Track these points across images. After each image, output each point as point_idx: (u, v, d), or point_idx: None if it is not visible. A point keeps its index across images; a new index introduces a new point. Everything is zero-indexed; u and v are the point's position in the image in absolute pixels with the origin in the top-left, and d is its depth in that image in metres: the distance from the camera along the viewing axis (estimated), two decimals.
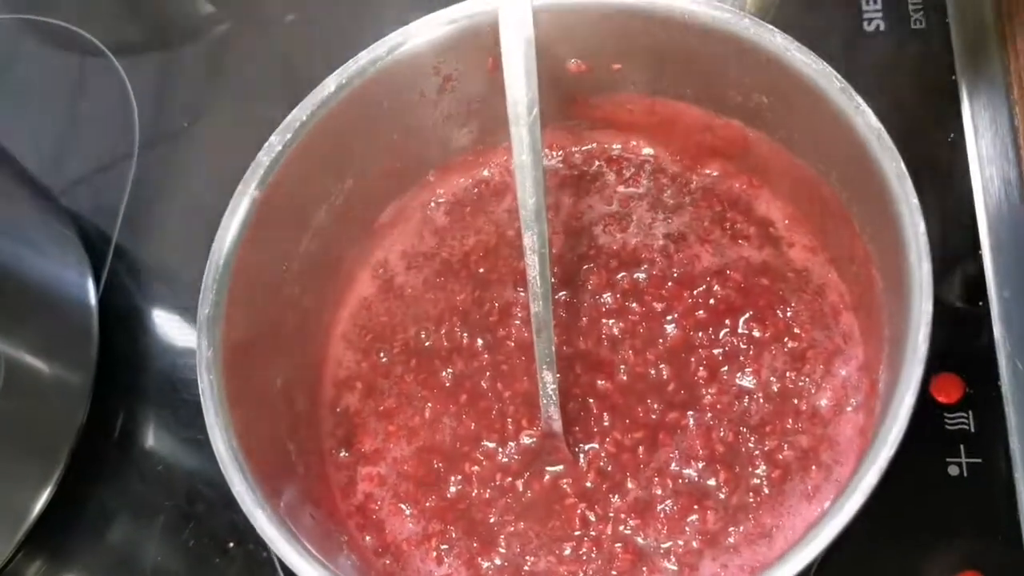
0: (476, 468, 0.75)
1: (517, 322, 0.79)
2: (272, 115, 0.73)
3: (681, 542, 0.70)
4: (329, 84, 0.73)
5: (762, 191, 0.80)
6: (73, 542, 0.87)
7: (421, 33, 0.74)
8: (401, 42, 0.74)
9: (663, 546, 0.70)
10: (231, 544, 0.83)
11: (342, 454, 0.78)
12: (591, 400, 0.75)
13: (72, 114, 1.09)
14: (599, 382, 0.76)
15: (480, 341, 0.79)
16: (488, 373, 0.78)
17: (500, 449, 0.75)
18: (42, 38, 1.13)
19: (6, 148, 0.94)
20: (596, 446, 0.74)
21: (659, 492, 0.71)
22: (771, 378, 0.74)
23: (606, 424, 0.74)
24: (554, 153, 0.85)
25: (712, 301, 0.77)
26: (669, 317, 0.77)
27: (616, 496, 0.72)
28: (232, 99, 1.06)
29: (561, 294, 0.79)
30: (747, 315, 0.76)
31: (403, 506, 0.75)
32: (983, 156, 0.84)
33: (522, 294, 0.80)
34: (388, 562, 0.73)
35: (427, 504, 0.75)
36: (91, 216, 1.01)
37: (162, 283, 0.98)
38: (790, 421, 0.72)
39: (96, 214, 1.01)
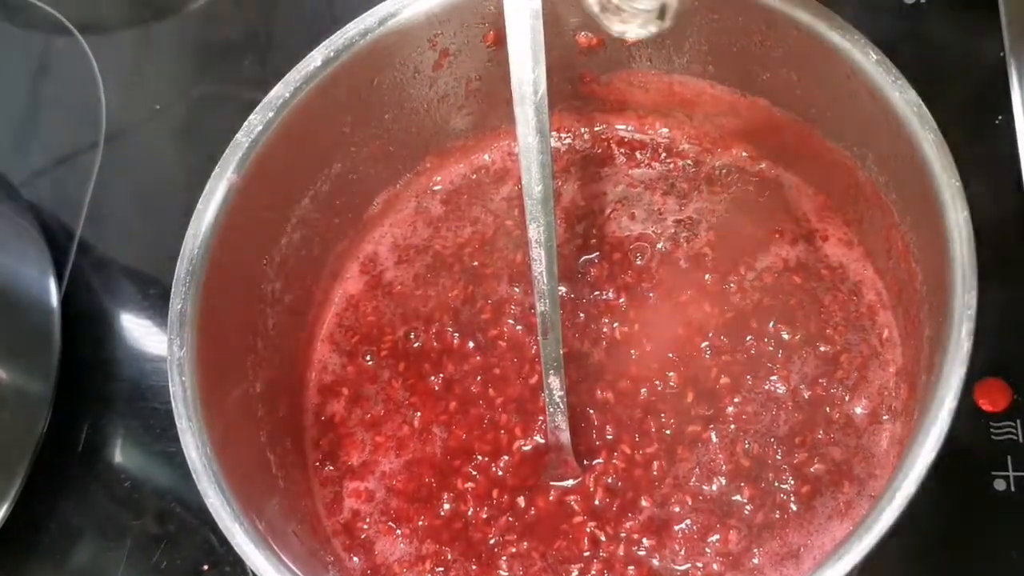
0: (470, 484, 0.75)
1: (511, 321, 0.80)
2: (252, 98, 0.74)
3: (700, 564, 0.70)
4: (315, 58, 0.74)
5: (792, 178, 0.81)
6: (32, 565, 0.87)
7: (415, 2, 0.75)
8: (393, 12, 0.75)
9: (680, 568, 0.70)
10: (205, 567, 0.83)
11: (327, 468, 0.78)
12: (591, 411, 0.76)
13: (34, 98, 1.09)
14: (598, 392, 0.76)
15: (471, 343, 0.80)
16: (479, 377, 0.79)
17: (493, 463, 0.76)
18: (1, 14, 1.13)
19: None
20: (602, 461, 0.74)
21: (677, 510, 0.72)
22: (801, 385, 0.74)
23: (610, 437, 0.75)
24: (561, 136, 0.86)
25: (737, 300, 0.77)
26: (687, 317, 0.77)
27: (629, 514, 0.72)
28: (208, 81, 1.06)
29: (560, 289, 0.78)
30: (776, 316, 0.76)
31: (393, 525, 0.75)
32: None
33: (516, 290, 0.81)
34: None
35: (420, 523, 0.75)
36: (53, 209, 1.01)
37: (130, 282, 0.98)
38: (821, 432, 0.72)
39: (59, 207, 1.01)
